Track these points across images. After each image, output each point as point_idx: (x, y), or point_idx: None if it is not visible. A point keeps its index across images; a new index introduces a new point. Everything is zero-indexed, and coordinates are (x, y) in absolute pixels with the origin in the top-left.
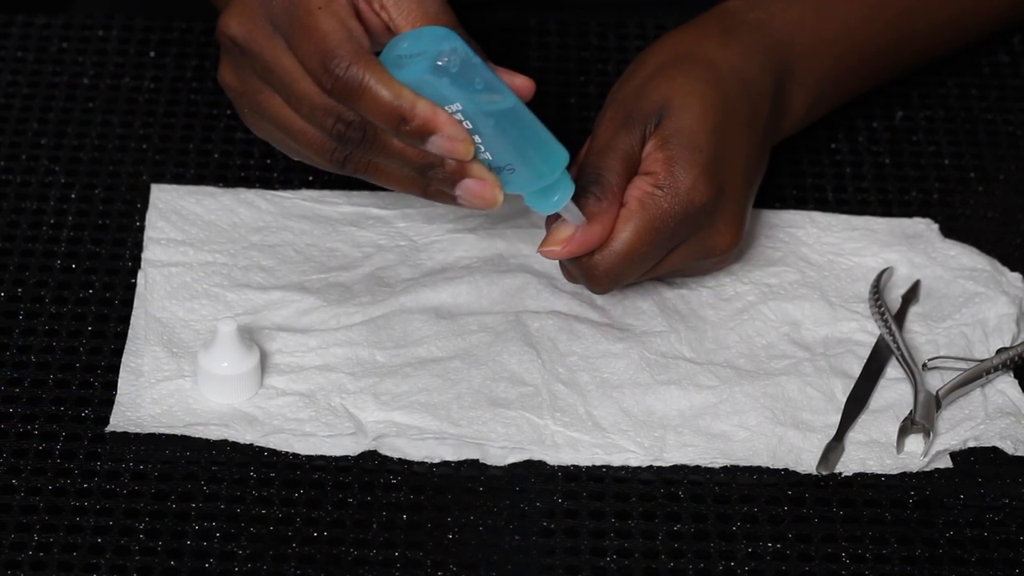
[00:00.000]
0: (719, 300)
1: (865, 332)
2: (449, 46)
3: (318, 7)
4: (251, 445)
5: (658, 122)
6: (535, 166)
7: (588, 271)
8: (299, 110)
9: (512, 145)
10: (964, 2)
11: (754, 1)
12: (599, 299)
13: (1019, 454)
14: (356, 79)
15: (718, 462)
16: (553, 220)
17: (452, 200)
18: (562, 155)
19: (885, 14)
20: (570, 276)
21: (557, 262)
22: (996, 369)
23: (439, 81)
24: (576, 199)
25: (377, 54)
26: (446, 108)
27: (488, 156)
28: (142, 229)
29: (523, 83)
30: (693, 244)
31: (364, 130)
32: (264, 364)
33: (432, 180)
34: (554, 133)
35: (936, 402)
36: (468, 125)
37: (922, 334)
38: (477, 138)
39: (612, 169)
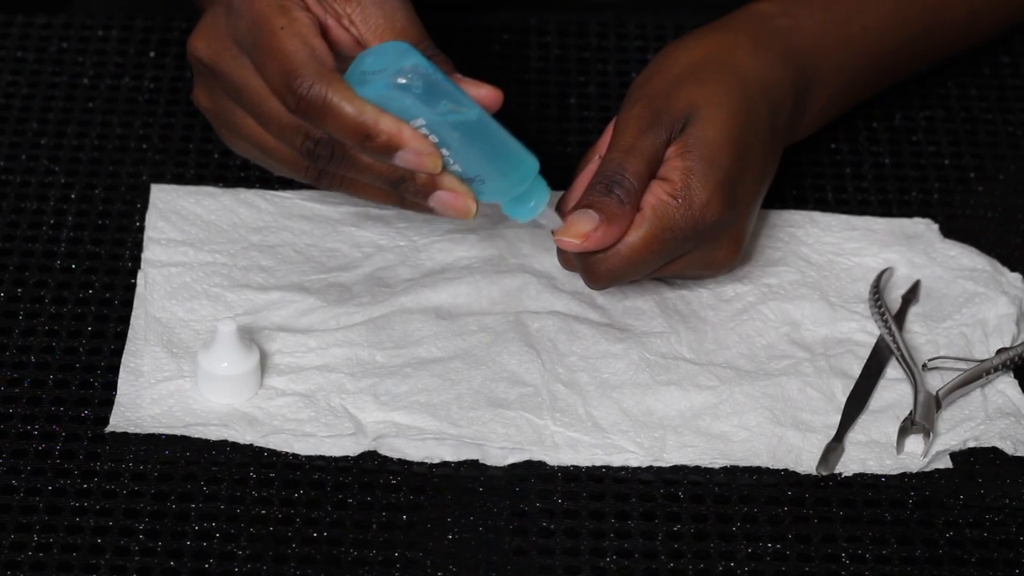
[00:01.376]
0: (719, 300)
1: (865, 332)
2: (410, 62)
3: (280, 27)
4: (251, 445)
5: (683, 127)
6: (505, 175)
7: (590, 268)
8: (269, 129)
9: (480, 156)
10: (975, 2)
11: (784, 5)
12: (599, 299)
13: (1019, 454)
14: (319, 97)
15: (718, 462)
16: (570, 211)
17: (429, 211)
18: (531, 163)
19: (901, 17)
20: (568, 265)
21: (556, 260)
22: (996, 369)
23: (401, 97)
24: (598, 197)
25: (345, 71)
26: (411, 123)
27: (458, 168)
28: (142, 229)
29: (487, 94)
30: (695, 256)
31: (332, 147)
32: (264, 364)
33: (405, 193)
34: (554, 133)
35: (936, 402)
36: (434, 139)
37: (922, 334)
38: (445, 151)
39: (636, 172)
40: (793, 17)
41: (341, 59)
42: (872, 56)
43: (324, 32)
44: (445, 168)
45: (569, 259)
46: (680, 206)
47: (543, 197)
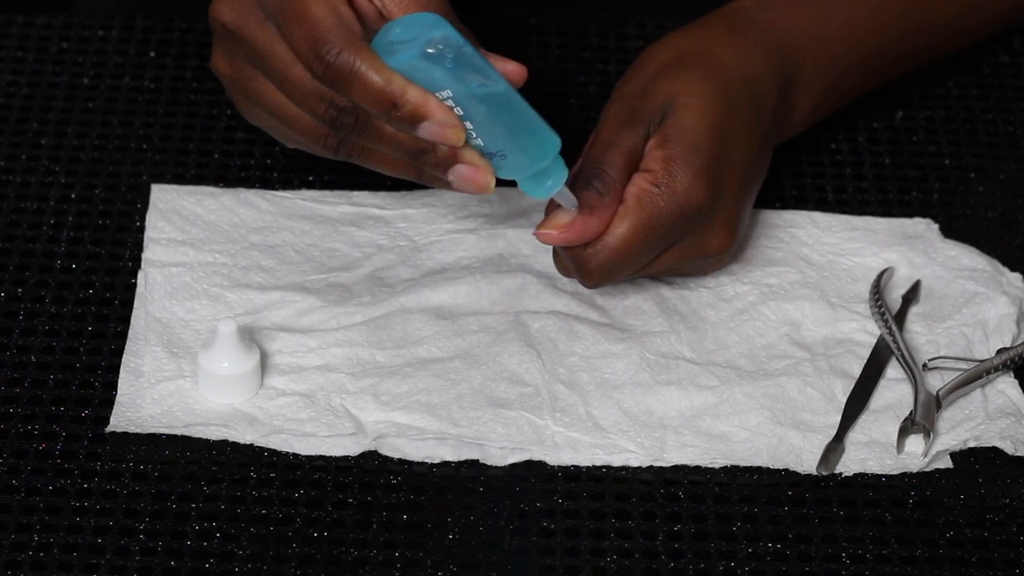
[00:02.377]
0: (719, 300)
1: (865, 332)
2: (440, 33)
3: None
4: (251, 445)
5: (661, 120)
6: (527, 151)
7: (581, 264)
8: (292, 96)
9: (503, 131)
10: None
11: (763, 1)
12: (599, 299)
13: (1019, 454)
14: (347, 65)
15: (718, 462)
16: (553, 207)
17: (446, 185)
18: (554, 141)
19: (888, 11)
20: (564, 270)
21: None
22: (996, 369)
23: (430, 67)
24: (577, 192)
25: (371, 41)
26: (437, 94)
27: (480, 142)
28: (142, 229)
29: (514, 69)
30: (688, 244)
31: (356, 116)
32: (264, 364)
33: (425, 165)
34: (554, 132)
35: (936, 402)
36: (459, 111)
37: (922, 334)
38: (469, 124)
39: (614, 165)
40: (774, 11)
41: (365, 30)
42: (860, 53)
43: (350, 1)
44: (467, 142)
45: (564, 264)
46: (663, 193)
47: (561, 176)
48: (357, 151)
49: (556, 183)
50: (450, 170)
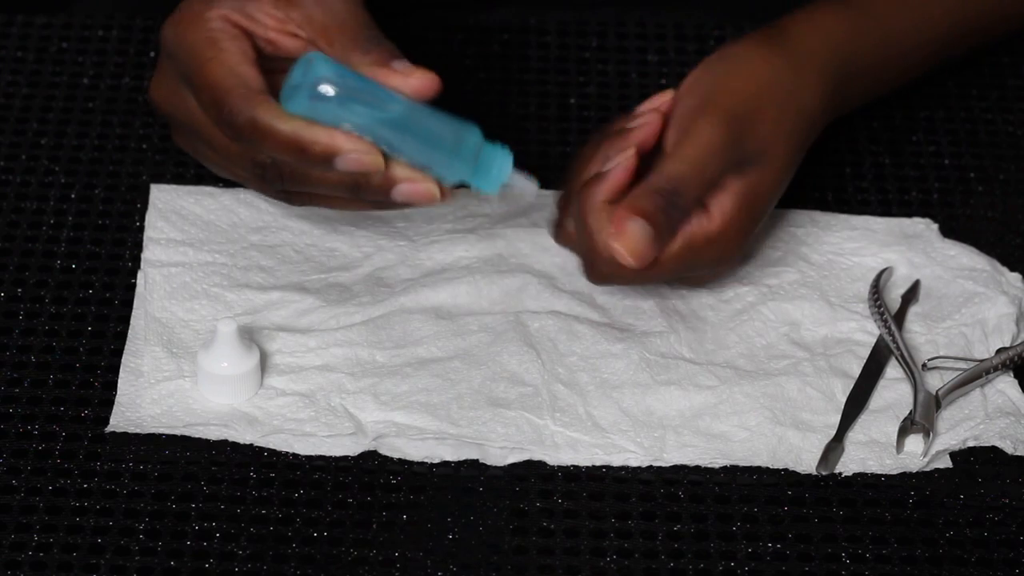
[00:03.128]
0: (719, 300)
1: (865, 332)
2: (321, 72)
3: (209, 58)
4: (251, 445)
5: (744, 167)
6: (447, 161)
7: (594, 265)
8: (226, 159)
9: (417, 146)
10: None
11: (817, 23)
12: (599, 299)
13: (1019, 454)
14: (249, 122)
15: (718, 462)
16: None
17: (397, 206)
18: (472, 138)
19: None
20: (566, 240)
21: (556, 260)
22: (996, 369)
23: (322, 106)
24: (656, 211)
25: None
26: (341, 127)
27: (405, 160)
28: (142, 229)
29: (420, 82)
30: (692, 279)
31: (279, 168)
32: (264, 364)
33: (366, 195)
34: (554, 133)
35: (936, 402)
36: (368, 138)
37: (922, 334)
38: (386, 147)
39: (694, 197)
40: (830, 38)
41: (280, 72)
42: (902, 75)
43: (272, 46)
44: (394, 160)
45: (569, 236)
46: (710, 248)
47: (505, 161)
48: (305, 197)
49: (502, 170)
50: (392, 192)
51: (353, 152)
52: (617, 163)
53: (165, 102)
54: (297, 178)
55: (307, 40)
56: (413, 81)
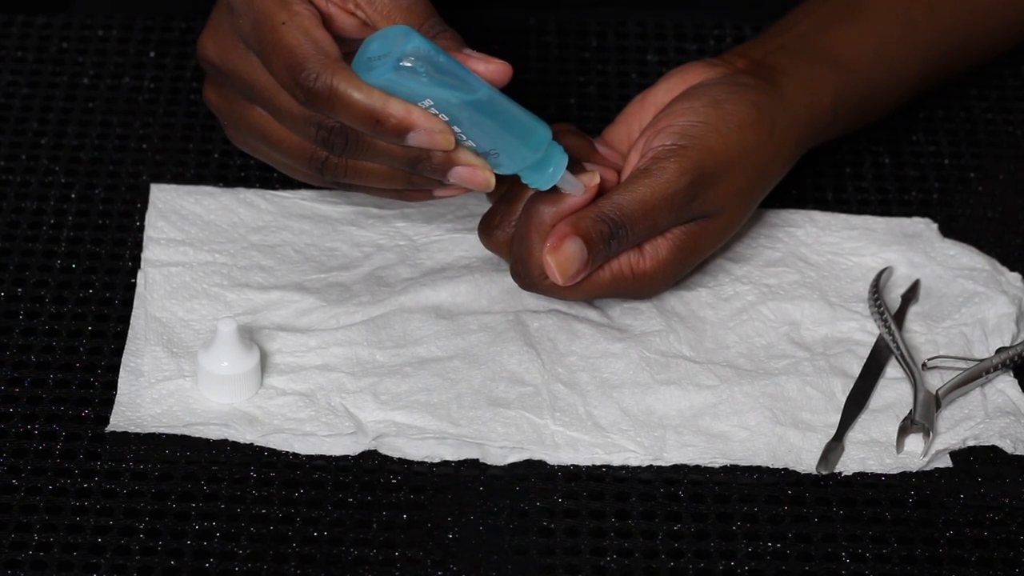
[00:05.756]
0: (718, 300)
1: (865, 332)
2: (412, 45)
3: (281, 22)
4: (251, 445)
5: (698, 218)
6: (518, 148)
7: (523, 272)
8: (283, 122)
9: (490, 132)
10: (995, 19)
11: (808, 88)
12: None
13: (1019, 453)
14: (326, 88)
15: (718, 462)
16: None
17: (429, 196)
18: (543, 133)
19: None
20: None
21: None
22: (996, 369)
23: (406, 80)
24: (597, 239)
25: (353, 58)
26: (419, 104)
27: (471, 144)
28: (142, 229)
29: (496, 69)
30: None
31: (346, 134)
32: (264, 364)
33: (424, 172)
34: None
35: (936, 402)
36: (444, 118)
37: (922, 334)
38: (456, 128)
39: (638, 235)
40: (835, 109)
41: (352, 44)
42: (867, 120)
43: (328, 20)
44: (459, 144)
45: (500, 238)
46: (635, 284)
47: (561, 162)
48: (342, 170)
49: (557, 170)
50: (449, 173)
51: (427, 128)
52: (578, 191)
53: (220, 57)
54: (361, 147)
55: (362, 21)
56: (492, 67)
